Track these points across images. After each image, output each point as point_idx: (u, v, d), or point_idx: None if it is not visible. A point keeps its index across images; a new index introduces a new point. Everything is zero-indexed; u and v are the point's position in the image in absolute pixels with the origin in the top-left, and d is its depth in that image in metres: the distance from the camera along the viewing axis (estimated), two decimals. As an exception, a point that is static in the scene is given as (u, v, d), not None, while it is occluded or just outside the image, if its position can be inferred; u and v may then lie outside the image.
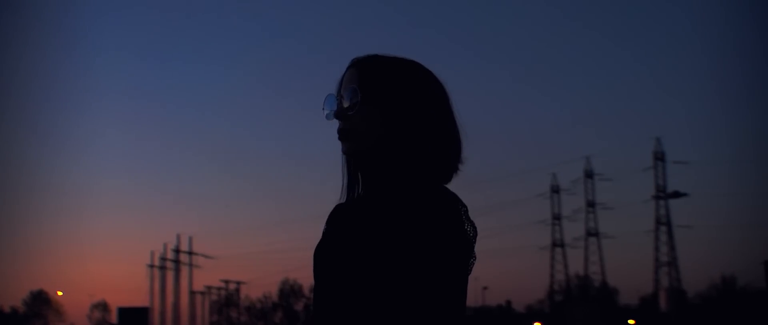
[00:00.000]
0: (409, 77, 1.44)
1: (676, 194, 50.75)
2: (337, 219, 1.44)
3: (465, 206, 1.36)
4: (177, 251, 63.59)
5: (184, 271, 63.82)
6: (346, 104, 1.43)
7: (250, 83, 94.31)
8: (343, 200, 1.49)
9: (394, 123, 1.40)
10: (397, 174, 1.39)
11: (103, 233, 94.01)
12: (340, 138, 1.45)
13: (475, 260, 1.37)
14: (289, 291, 75.44)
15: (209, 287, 69.23)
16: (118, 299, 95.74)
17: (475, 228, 1.36)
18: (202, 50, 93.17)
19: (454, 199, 1.35)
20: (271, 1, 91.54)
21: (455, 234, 1.30)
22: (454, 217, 1.32)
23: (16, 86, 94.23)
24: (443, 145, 1.42)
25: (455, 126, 1.46)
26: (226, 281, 69.95)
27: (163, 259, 63.83)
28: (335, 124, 1.46)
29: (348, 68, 1.48)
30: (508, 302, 63.81)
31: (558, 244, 59.42)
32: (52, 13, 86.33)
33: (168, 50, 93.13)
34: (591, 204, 56.58)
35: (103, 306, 78.98)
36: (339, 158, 1.51)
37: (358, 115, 1.42)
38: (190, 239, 63.67)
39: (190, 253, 63.32)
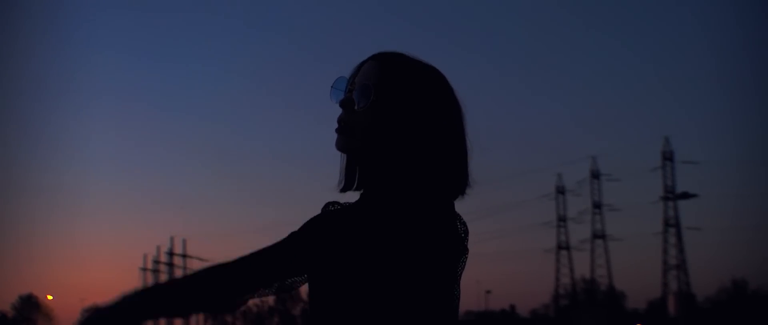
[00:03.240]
0: (426, 87, 1.41)
1: (685, 195, 50.68)
2: (329, 226, 1.43)
3: (451, 203, 1.38)
4: (170, 253, 63.61)
5: (178, 274, 63.73)
6: (356, 99, 1.41)
7: (245, 83, 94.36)
8: (341, 186, 1.49)
9: (396, 129, 1.39)
10: (393, 179, 1.39)
11: (95, 235, 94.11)
12: (338, 130, 1.43)
13: (467, 256, 1.39)
14: (286, 295, 75.45)
15: (204, 291, 69.05)
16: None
17: (465, 225, 1.38)
18: (196, 50, 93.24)
19: (447, 202, 1.37)
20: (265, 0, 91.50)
21: (447, 238, 1.32)
22: (447, 219, 1.34)
23: (6, 86, 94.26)
24: (446, 160, 1.41)
25: (463, 145, 1.44)
26: (221, 285, 69.74)
27: (156, 262, 63.92)
28: (328, 117, 1.45)
29: (369, 59, 1.45)
30: (512, 307, 63.93)
31: (563, 246, 59.44)
32: (44, 11, 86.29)
33: (161, 50, 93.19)
34: (597, 205, 56.59)
35: (94, 311, 78.92)
36: (337, 160, 1.51)
37: (364, 114, 1.40)
38: (184, 242, 63.78)
39: (184, 256, 63.32)
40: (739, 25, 75.01)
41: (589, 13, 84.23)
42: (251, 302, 1.52)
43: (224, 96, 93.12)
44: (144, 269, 63.90)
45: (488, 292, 61.13)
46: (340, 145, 1.44)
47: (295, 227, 1.48)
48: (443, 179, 1.40)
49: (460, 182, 1.43)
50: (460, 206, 1.43)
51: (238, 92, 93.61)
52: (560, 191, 58.88)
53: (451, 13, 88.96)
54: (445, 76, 1.47)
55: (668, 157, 51.79)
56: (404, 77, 1.41)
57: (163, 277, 62.74)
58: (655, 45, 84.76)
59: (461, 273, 1.39)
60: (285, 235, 1.47)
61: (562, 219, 59.06)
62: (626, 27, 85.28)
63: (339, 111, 1.44)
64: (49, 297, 76.20)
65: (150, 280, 63.13)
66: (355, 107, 1.41)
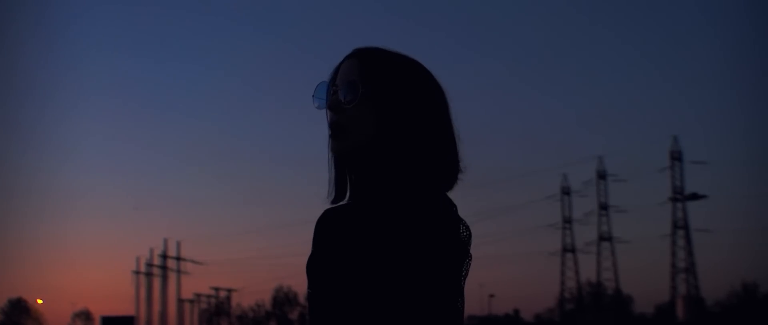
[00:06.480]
0: (411, 78, 1.43)
1: (694, 196, 50.80)
2: (327, 227, 1.39)
3: (455, 205, 1.39)
4: (164, 256, 63.60)
5: (172, 277, 63.83)
6: (343, 97, 1.41)
7: (239, 84, 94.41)
8: (331, 197, 1.48)
9: (390, 124, 1.39)
10: (389, 177, 1.39)
11: (86, 237, 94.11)
12: (331, 134, 1.43)
13: (470, 260, 1.39)
14: (283, 299, 75.55)
15: (198, 295, 69.39)
16: (101, 308, 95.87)
17: (468, 228, 1.39)
18: (191, 50, 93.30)
19: (447, 201, 1.38)
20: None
21: (449, 240, 1.33)
22: (448, 221, 1.34)
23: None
24: (440, 151, 1.42)
25: (452, 133, 1.46)
26: (217, 289, 70.05)
27: (150, 265, 63.89)
28: (322, 117, 1.45)
29: (348, 58, 1.45)
30: (516, 311, 63.90)
31: (569, 249, 59.51)
32: (35, 9, 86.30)
33: (155, 50, 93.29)
34: (604, 207, 56.65)
35: (85, 315, 79.24)
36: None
37: (354, 111, 1.40)
38: (178, 244, 63.77)
39: (178, 258, 63.33)
40: (748, 24, 75.09)
41: (596, 12, 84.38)
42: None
43: (218, 97, 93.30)
44: (137, 272, 63.89)
45: (492, 296, 61.26)
46: (337, 149, 1.43)
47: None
48: (436, 170, 1.41)
49: (452, 171, 1.44)
50: (463, 207, 1.43)
51: (232, 93, 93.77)
52: (566, 191, 58.95)
53: (455, 12, 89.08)
54: (426, 68, 1.48)
55: (676, 157, 51.88)
56: (387, 70, 1.42)
57: (157, 281, 62.84)
58: (662, 43, 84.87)
59: (465, 278, 1.39)
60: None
61: (567, 221, 59.13)
62: (634, 25, 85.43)
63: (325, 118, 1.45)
64: (39, 301, 76.33)
65: (143, 283, 63.21)
66: (344, 105, 1.41)
